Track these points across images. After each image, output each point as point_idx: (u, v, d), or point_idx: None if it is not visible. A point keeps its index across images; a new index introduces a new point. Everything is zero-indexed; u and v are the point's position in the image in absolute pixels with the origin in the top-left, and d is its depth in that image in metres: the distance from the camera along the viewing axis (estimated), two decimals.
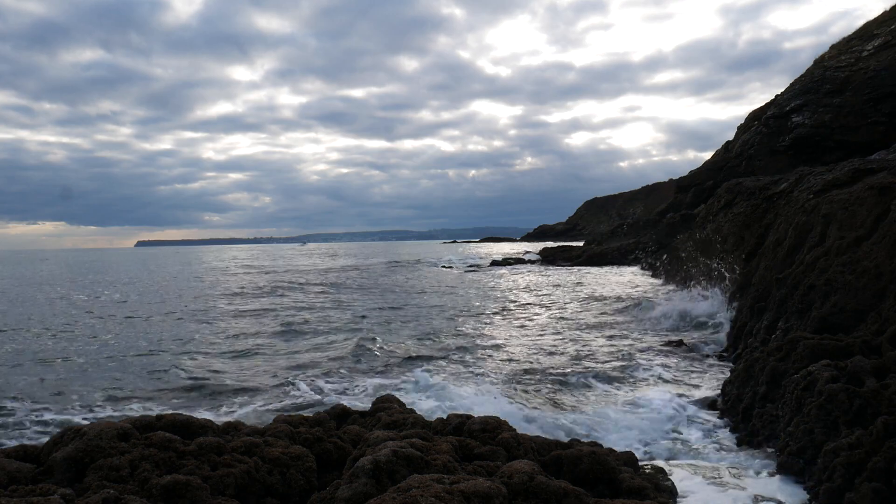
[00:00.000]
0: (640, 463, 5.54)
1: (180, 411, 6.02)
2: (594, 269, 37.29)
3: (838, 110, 27.12)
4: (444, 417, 5.54)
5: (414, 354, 12.48)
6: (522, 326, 16.16)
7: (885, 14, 29.44)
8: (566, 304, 20.60)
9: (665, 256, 27.92)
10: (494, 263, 49.02)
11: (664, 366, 10.83)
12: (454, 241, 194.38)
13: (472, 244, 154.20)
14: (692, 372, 10.45)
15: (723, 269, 15.34)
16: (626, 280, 28.42)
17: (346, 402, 8.00)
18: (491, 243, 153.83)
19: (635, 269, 34.52)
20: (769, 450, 6.32)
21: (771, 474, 5.76)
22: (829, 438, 5.39)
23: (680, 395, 8.75)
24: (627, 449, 5.93)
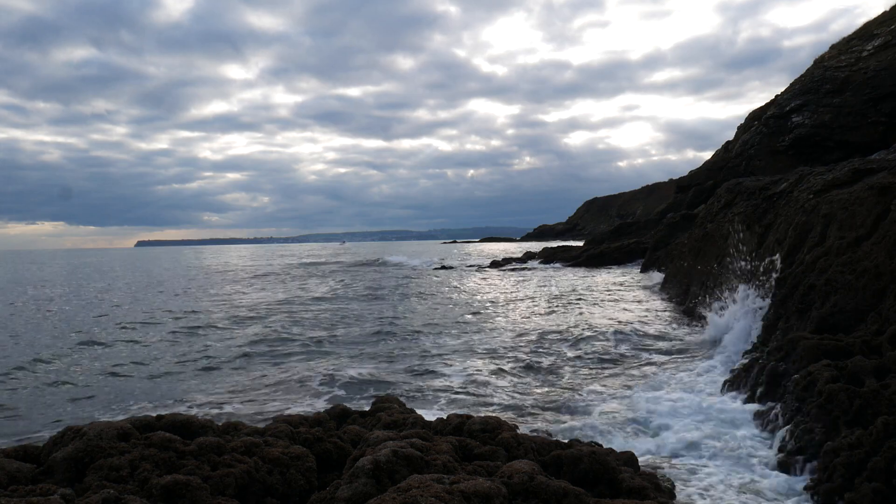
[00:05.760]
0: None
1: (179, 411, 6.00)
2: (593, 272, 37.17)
3: (838, 110, 27.13)
4: (444, 418, 5.54)
5: None
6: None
7: (885, 14, 29.44)
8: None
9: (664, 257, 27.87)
10: (493, 264, 49.12)
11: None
12: (454, 242, 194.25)
13: (472, 244, 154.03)
14: None
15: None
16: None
17: None
18: (491, 243, 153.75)
19: (636, 269, 34.49)
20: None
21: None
22: (829, 438, 5.39)
23: None
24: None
